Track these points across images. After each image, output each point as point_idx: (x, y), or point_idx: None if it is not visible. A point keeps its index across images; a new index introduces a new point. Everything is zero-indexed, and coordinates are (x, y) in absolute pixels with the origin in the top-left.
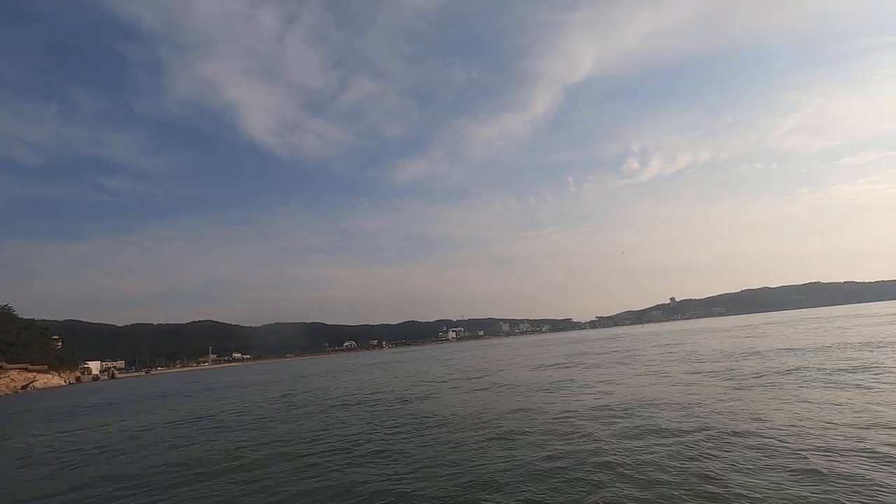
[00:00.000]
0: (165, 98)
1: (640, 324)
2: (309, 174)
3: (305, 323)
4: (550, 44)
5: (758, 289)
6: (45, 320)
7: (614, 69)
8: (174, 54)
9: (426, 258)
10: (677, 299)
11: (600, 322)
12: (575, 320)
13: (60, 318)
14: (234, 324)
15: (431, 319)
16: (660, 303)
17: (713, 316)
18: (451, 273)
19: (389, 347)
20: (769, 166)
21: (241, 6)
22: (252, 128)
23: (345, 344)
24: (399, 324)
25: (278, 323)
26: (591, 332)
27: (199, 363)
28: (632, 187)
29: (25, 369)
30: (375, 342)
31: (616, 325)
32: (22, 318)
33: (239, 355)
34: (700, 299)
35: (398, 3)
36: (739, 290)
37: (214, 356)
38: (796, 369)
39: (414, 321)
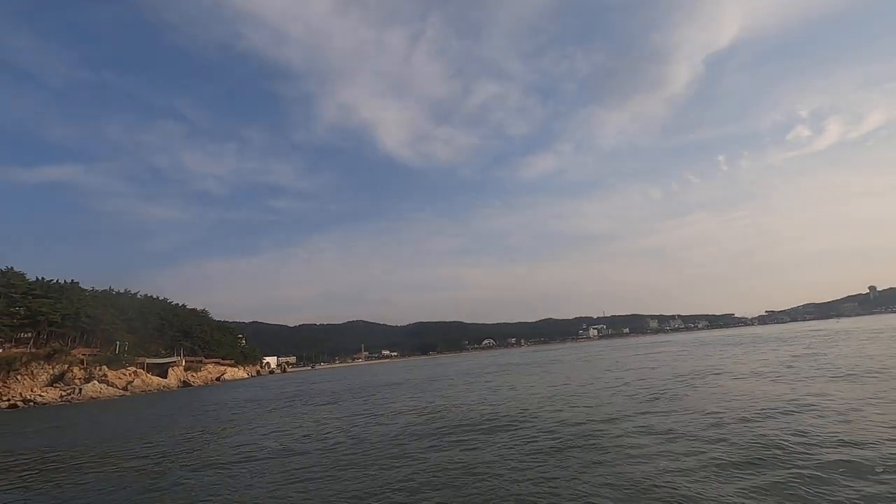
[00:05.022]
0: (315, 125)
1: (828, 318)
2: (440, 180)
3: (446, 322)
4: (685, 12)
5: None
6: (236, 322)
7: (768, 26)
8: (318, 86)
9: (561, 254)
10: (879, 289)
11: (771, 317)
12: (738, 316)
13: (247, 321)
14: (381, 323)
15: (570, 317)
16: (854, 293)
17: None
18: (589, 268)
19: (528, 346)
20: None
21: (371, 33)
22: (387, 142)
23: (484, 342)
24: (536, 321)
25: (421, 322)
26: (770, 329)
27: (353, 359)
28: (803, 159)
29: (218, 363)
30: (514, 340)
31: (793, 320)
32: (215, 320)
33: (388, 352)
34: None
35: (514, 1)
36: None
37: (366, 353)
38: None
39: (551, 318)
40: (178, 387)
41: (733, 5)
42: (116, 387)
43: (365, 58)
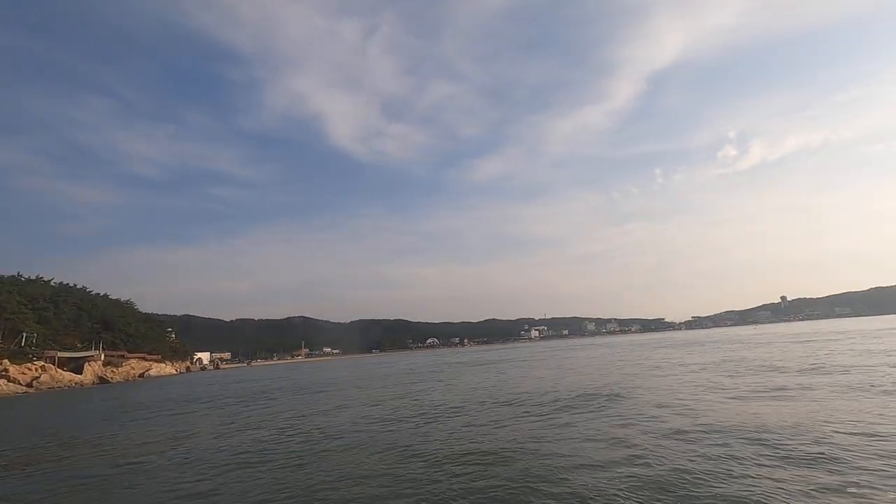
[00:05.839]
0: (262, 113)
1: (746, 325)
2: (391, 177)
3: (390, 320)
4: (632, 30)
5: (891, 286)
6: (167, 315)
7: (705, 51)
8: (267, 72)
9: (507, 256)
10: (789, 298)
11: (697, 323)
12: (668, 320)
13: (179, 314)
14: (324, 319)
15: (513, 318)
16: (767, 302)
17: (835, 317)
18: (533, 271)
19: (471, 345)
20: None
21: (324, 22)
22: (338, 135)
23: (428, 341)
24: (480, 322)
25: (365, 320)
26: (696, 334)
27: (293, 357)
28: (730, 177)
29: (143, 358)
30: (457, 340)
31: (716, 325)
32: (141, 312)
33: (329, 349)
34: (817, 298)
35: (471, 3)
36: (868, 289)
37: (307, 350)
38: None
39: (495, 319)
40: (93, 384)
41: (676, 29)
42: (19, 383)
43: (318, 47)
